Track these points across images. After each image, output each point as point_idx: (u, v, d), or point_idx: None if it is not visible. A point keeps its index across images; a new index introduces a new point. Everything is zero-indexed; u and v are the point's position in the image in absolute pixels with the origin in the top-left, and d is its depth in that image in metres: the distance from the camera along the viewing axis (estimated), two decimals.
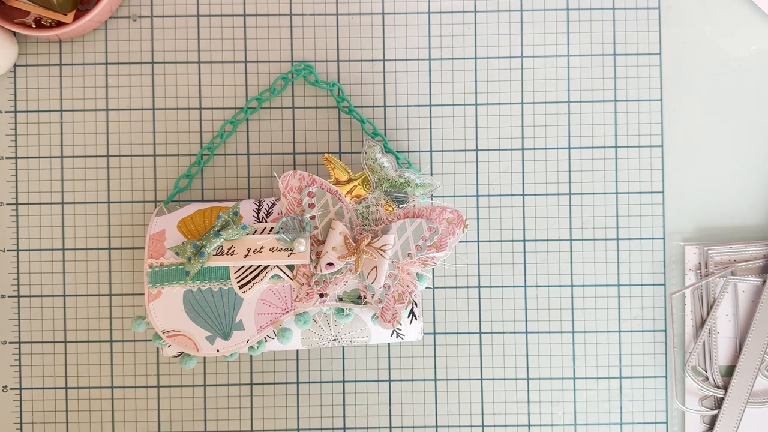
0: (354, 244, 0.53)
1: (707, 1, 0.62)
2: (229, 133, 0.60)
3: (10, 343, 0.61)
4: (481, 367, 0.61)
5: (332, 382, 0.61)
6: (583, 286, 0.61)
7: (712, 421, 0.60)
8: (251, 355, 0.61)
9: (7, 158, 0.61)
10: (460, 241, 0.61)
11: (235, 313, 0.54)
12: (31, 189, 0.61)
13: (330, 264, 0.53)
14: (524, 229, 0.61)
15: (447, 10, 0.61)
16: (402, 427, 0.61)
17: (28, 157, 0.61)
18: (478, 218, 0.61)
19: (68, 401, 0.61)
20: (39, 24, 0.59)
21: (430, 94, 0.61)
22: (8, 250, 0.61)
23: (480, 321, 0.61)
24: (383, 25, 0.61)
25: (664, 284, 0.61)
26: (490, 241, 0.61)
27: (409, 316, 0.56)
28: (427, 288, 0.61)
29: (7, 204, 0.61)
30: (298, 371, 0.61)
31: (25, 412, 0.61)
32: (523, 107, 0.61)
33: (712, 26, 0.62)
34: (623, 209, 0.61)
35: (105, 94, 0.61)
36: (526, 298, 0.61)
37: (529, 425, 0.61)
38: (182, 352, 0.55)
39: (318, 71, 0.61)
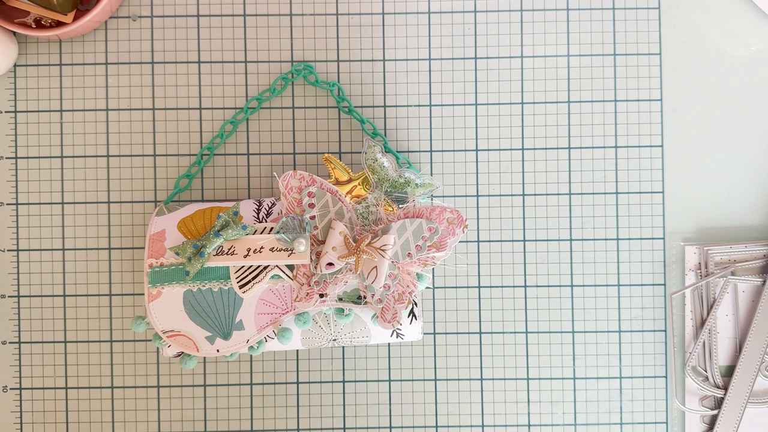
0: (354, 244, 0.53)
1: (707, 1, 0.62)
2: (229, 133, 0.60)
3: (10, 343, 0.61)
4: (481, 367, 0.61)
5: (332, 382, 0.61)
6: (583, 286, 0.61)
7: (712, 421, 0.60)
8: (251, 355, 0.61)
9: (7, 158, 0.61)
10: (460, 241, 0.61)
11: (235, 313, 0.54)
12: (31, 189, 0.61)
13: (330, 264, 0.53)
14: (524, 229, 0.61)
15: (447, 10, 0.61)
16: (402, 427, 0.61)
17: (28, 157, 0.61)
18: (478, 218, 0.61)
19: (68, 401, 0.61)
20: (39, 24, 0.59)
21: (430, 94, 0.61)
22: (8, 250, 0.61)
23: (480, 321, 0.61)
24: (383, 25, 0.61)
25: (664, 284, 0.61)
26: (490, 241, 0.61)
27: (409, 316, 0.56)
28: (427, 288, 0.61)
29: (7, 204, 0.61)
30: (298, 371, 0.61)
31: (25, 412, 0.61)
32: (523, 107, 0.61)
33: (712, 26, 0.62)
34: (623, 209, 0.61)
35: (105, 94, 0.61)
36: (526, 298, 0.61)
37: (529, 425, 0.61)
38: (182, 352, 0.55)
39: (318, 71, 0.61)
